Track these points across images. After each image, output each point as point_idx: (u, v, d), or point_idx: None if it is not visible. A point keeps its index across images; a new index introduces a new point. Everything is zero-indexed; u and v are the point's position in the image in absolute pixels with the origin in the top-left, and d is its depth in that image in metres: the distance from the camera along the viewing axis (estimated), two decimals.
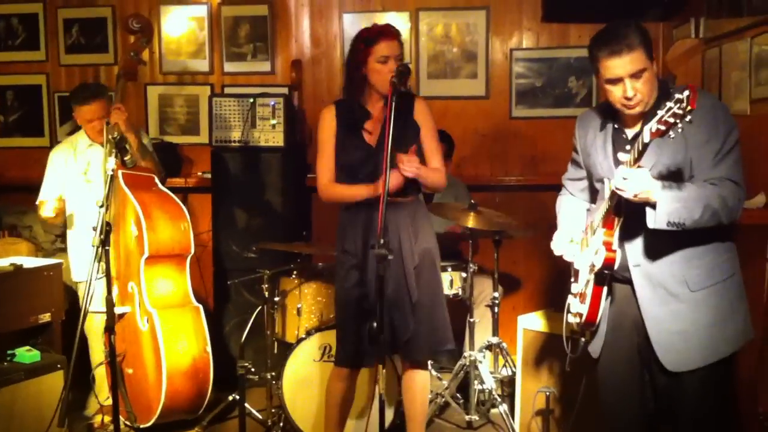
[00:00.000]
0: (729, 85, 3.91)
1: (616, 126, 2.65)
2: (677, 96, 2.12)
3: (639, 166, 2.36)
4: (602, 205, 2.60)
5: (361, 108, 3.30)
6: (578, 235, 2.81)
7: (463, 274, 4.21)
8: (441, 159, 3.37)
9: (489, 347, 4.31)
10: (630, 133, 2.61)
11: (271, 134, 4.72)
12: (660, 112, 2.17)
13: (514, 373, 4.14)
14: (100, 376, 4.17)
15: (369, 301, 3.22)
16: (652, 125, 2.20)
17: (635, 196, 2.37)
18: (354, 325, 3.27)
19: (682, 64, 4.47)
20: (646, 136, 2.24)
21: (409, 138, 3.27)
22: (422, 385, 3.44)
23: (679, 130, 2.16)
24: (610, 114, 2.65)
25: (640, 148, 2.30)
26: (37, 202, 4.29)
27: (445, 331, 3.36)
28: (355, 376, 3.42)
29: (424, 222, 3.36)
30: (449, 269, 4.18)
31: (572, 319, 2.82)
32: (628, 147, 2.54)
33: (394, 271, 3.21)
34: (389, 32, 3.22)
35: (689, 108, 2.10)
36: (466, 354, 4.16)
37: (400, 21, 5.29)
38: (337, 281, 3.40)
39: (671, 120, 2.14)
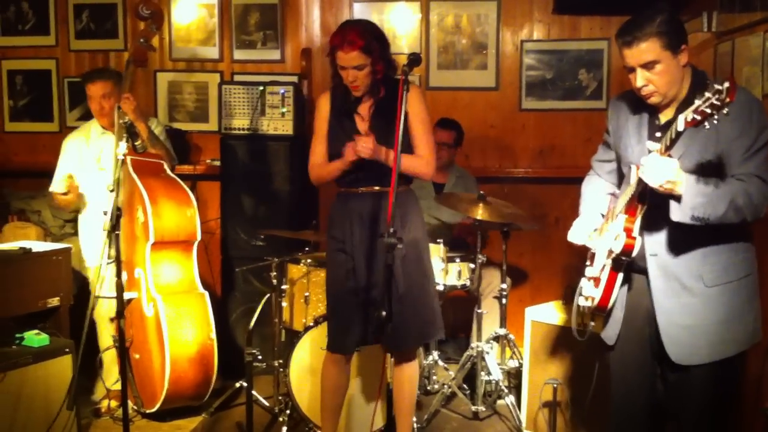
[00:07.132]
0: (741, 80, 3.88)
1: (650, 111, 2.63)
2: (716, 87, 2.09)
3: (669, 155, 2.35)
4: (626, 190, 2.59)
5: (351, 95, 3.29)
6: (599, 224, 2.80)
7: (471, 266, 4.21)
8: (430, 148, 3.28)
9: (496, 338, 4.32)
10: (662, 119, 2.60)
11: (280, 122, 4.72)
12: (697, 102, 2.15)
13: (521, 365, 4.15)
14: (108, 360, 4.20)
15: (356, 288, 3.25)
16: (688, 114, 2.18)
17: (660, 186, 2.36)
18: (341, 310, 3.31)
19: (694, 58, 4.43)
20: (680, 125, 2.22)
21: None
22: (410, 378, 3.42)
23: (715, 122, 2.14)
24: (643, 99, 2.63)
25: (673, 136, 2.28)
26: (50, 190, 4.29)
27: (433, 322, 3.35)
28: (347, 362, 3.43)
29: (412, 212, 3.33)
30: (457, 260, 4.18)
31: (583, 302, 2.81)
32: (658, 134, 2.53)
33: (381, 260, 3.22)
34: (346, 45, 3.13)
35: (728, 100, 2.08)
36: (473, 345, 4.16)
37: (410, 11, 5.28)
38: (327, 267, 3.43)
39: (708, 110, 2.12)
